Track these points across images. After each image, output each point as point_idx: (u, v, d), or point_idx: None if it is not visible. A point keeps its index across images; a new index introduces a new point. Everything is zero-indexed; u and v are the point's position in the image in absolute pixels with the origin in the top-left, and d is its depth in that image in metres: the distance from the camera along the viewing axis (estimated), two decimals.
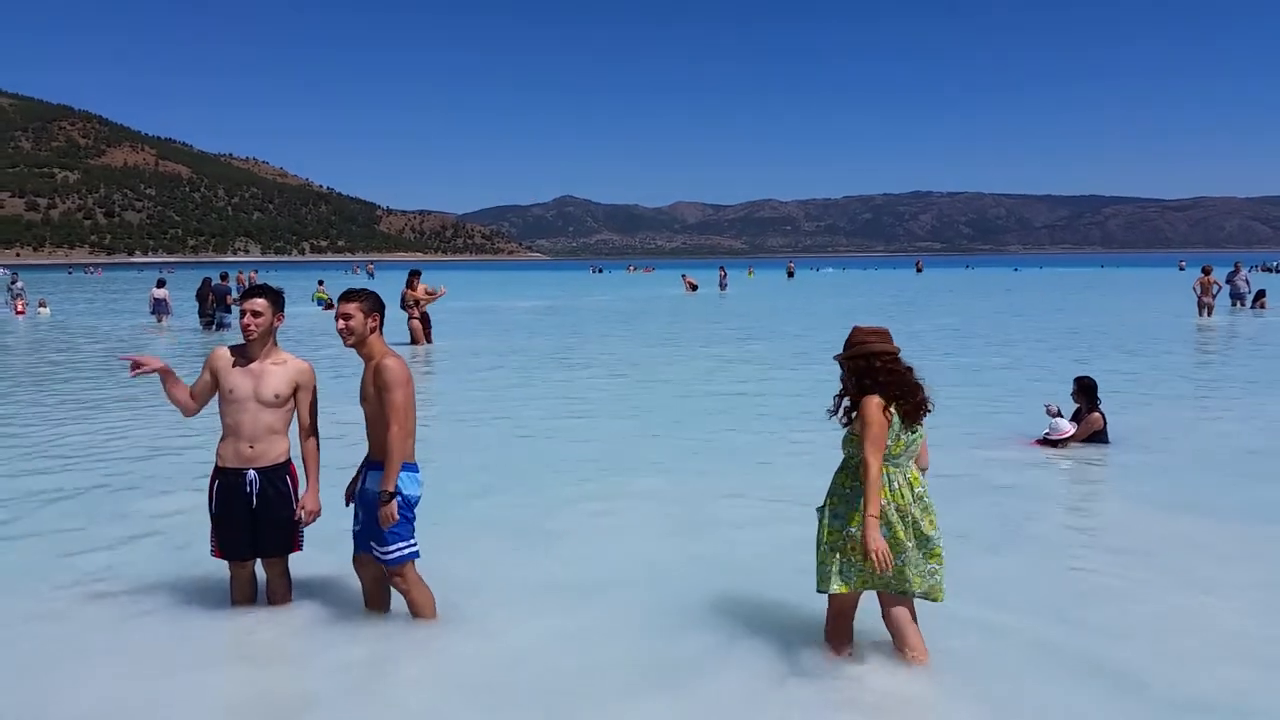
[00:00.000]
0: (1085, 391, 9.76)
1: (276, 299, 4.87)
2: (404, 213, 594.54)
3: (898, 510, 4.24)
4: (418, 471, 4.74)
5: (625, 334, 23.94)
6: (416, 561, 4.75)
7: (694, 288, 48.60)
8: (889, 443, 4.21)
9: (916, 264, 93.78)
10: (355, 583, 5.04)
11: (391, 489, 4.51)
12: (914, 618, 4.39)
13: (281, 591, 5.06)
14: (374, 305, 4.72)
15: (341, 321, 4.64)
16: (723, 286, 50.97)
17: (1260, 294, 30.50)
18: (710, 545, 6.29)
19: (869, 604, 4.48)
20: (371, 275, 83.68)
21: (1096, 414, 9.61)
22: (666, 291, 49.74)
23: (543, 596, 5.30)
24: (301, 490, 4.90)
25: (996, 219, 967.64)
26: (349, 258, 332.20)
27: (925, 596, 4.33)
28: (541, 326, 26.84)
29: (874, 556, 4.06)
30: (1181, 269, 74.58)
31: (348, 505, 4.92)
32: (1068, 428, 9.47)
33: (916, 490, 4.30)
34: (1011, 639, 4.75)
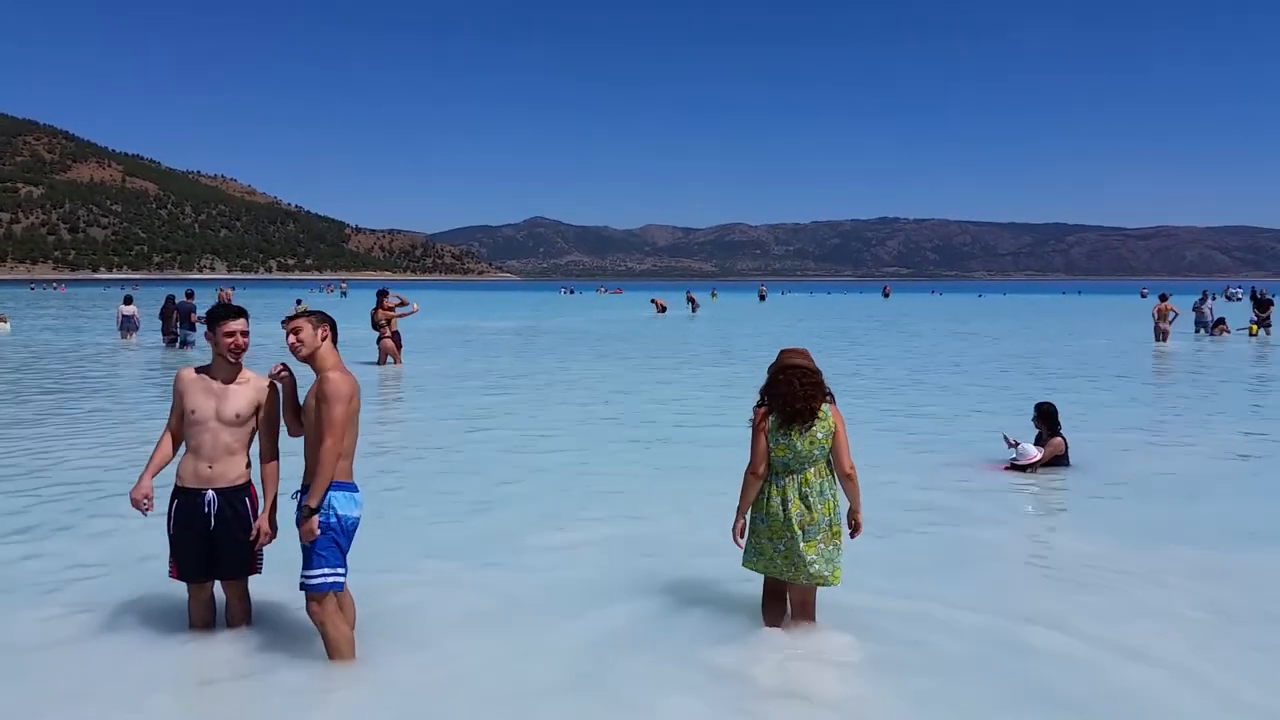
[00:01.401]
0: (1045, 417, 9.90)
1: (247, 320, 4.90)
2: (373, 231, 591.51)
3: (782, 508, 4.90)
4: (357, 492, 4.61)
5: (595, 355, 23.96)
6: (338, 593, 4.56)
7: (663, 309, 48.99)
8: (773, 447, 4.94)
9: (884, 289, 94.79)
10: None
11: (314, 505, 4.36)
12: (809, 598, 5.10)
13: (241, 613, 4.99)
14: (322, 318, 4.69)
15: (292, 336, 4.57)
16: (693, 309, 51.47)
17: (1220, 321, 31.08)
18: (660, 567, 6.30)
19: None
20: (344, 294, 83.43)
21: (1058, 439, 9.74)
22: (637, 313, 49.88)
23: (486, 623, 5.23)
24: (260, 511, 4.83)
25: (962, 245, 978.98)
26: (317, 276, 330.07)
27: (818, 582, 4.97)
28: (510, 347, 26.79)
29: (733, 537, 5.12)
30: (1143, 296, 75.84)
31: (304, 542, 4.75)
32: (1035, 453, 9.57)
33: (803, 490, 4.92)
34: (946, 648, 4.84)
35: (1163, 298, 28.81)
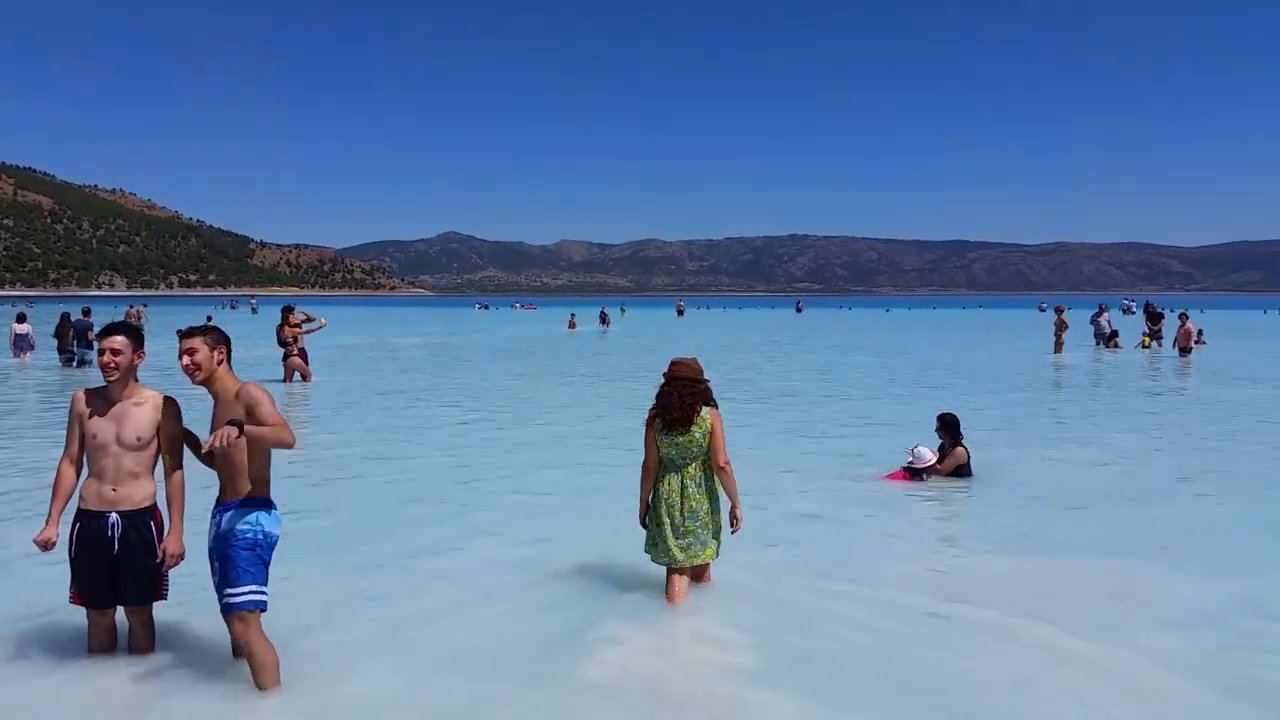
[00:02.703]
0: (948, 427, 10.22)
1: (136, 336, 4.70)
2: (279, 246, 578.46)
3: (666, 499, 5.74)
4: (276, 510, 4.54)
5: (507, 372, 23.85)
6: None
7: (572, 326, 49.32)
8: (660, 447, 5.76)
9: (797, 304, 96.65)
10: (223, 633, 4.84)
11: (241, 426, 4.17)
12: (703, 569, 6.01)
13: (144, 640, 4.85)
14: (219, 338, 4.51)
15: (186, 358, 4.40)
16: (605, 324, 51.73)
17: (1114, 334, 32.45)
18: (574, 566, 6.44)
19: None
20: (255, 310, 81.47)
21: (960, 449, 10.07)
22: (551, 329, 49.81)
23: (396, 646, 5.18)
24: (166, 534, 4.70)
25: (870, 262, 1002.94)
26: (220, 292, 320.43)
27: (694, 561, 5.79)
28: (423, 363, 26.48)
29: (640, 522, 5.95)
30: (1042, 310, 78.77)
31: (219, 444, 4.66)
32: (929, 455, 9.90)
33: (684, 482, 5.73)
34: (826, 658, 4.97)
35: (1058, 311, 30.34)
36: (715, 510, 5.87)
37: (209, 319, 42.11)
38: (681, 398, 5.71)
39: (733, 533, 5.97)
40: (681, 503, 5.72)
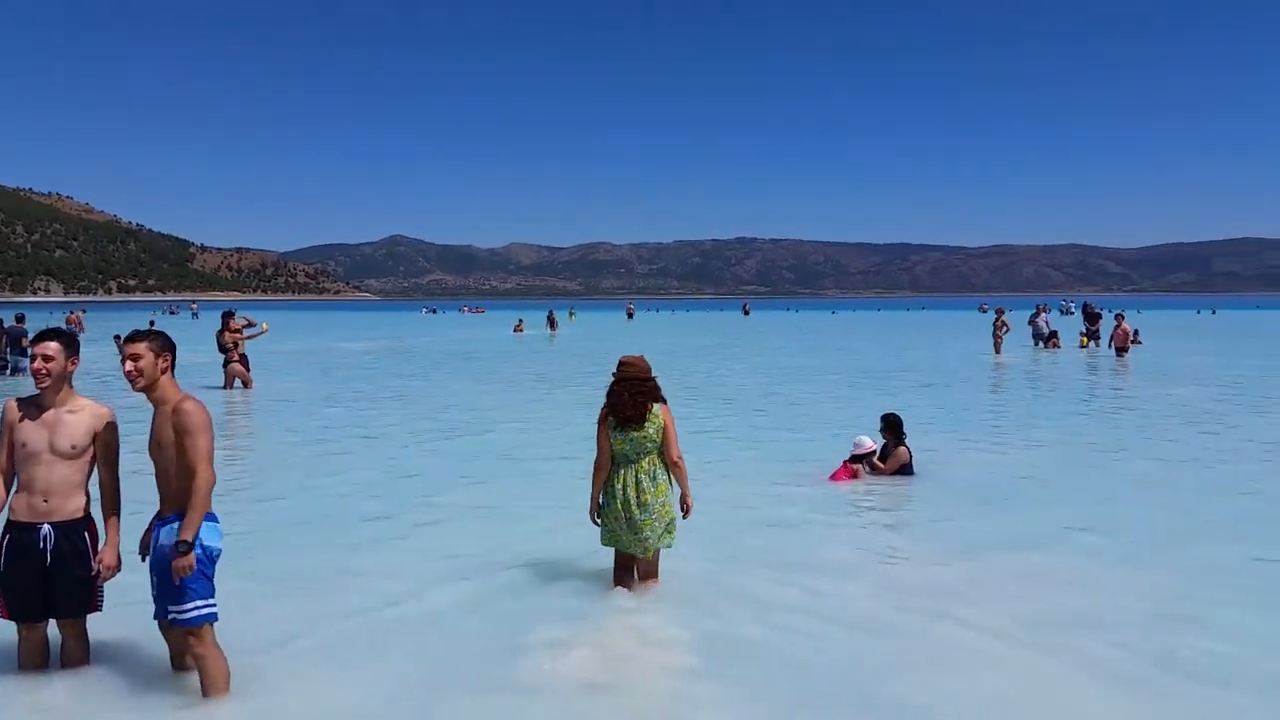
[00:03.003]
0: (891, 427, 10.39)
1: (70, 342, 4.59)
2: (220, 250, 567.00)
3: (622, 492, 5.91)
4: (218, 522, 4.49)
5: (453, 375, 23.70)
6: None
7: (519, 330, 49.15)
8: (614, 442, 5.94)
9: (744, 307, 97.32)
10: (160, 645, 4.78)
11: (191, 539, 4.24)
12: (652, 565, 6.17)
13: (78, 654, 4.74)
14: (164, 345, 4.43)
15: (130, 363, 4.31)
16: (552, 327, 51.52)
17: (1053, 334, 33.14)
18: (506, 584, 6.43)
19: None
20: (195, 315, 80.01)
21: (903, 448, 10.24)
22: (499, 333, 49.57)
23: (338, 653, 5.15)
24: (101, 545, 4.60)
25: (816, 264, 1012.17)
26: (160, 297, 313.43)
27: (653, 550, 6.04)
28: (368, 369, 26.19)
29: (591, 519, 6.15)
30: (983, 311, 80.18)
31: (143, 559, 4.61)
32: (869, 442, 10.16)
33: (639, 476, 5.92)
34: (768, 657, 5.04)
35: (999, 312, 31.01)
36: (668, 502, 6.05)
37: (151, 323, 41.25)
38: (633, 396, 5.93)
39: (684, 518, 6.19)
40: (637, 496, 5.90)
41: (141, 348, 4.36)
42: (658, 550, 6.14)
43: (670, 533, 6.08)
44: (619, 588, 6.11)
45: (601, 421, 6.02)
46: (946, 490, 9.57)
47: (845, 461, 10.16)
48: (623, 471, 5.96)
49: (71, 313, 54.61)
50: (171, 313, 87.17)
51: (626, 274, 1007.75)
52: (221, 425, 14.56)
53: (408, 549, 7.33)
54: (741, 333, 50.70)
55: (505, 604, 6.00)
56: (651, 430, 5.93)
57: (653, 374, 6.12)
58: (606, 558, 6.35)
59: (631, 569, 6.18)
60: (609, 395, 6.02)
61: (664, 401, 6.09)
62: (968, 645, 5.28)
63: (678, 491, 6.14)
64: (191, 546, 4.25)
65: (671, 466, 6.05)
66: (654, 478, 5.97)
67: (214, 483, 4.34)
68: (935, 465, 10.60)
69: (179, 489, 4.34)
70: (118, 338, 37.62)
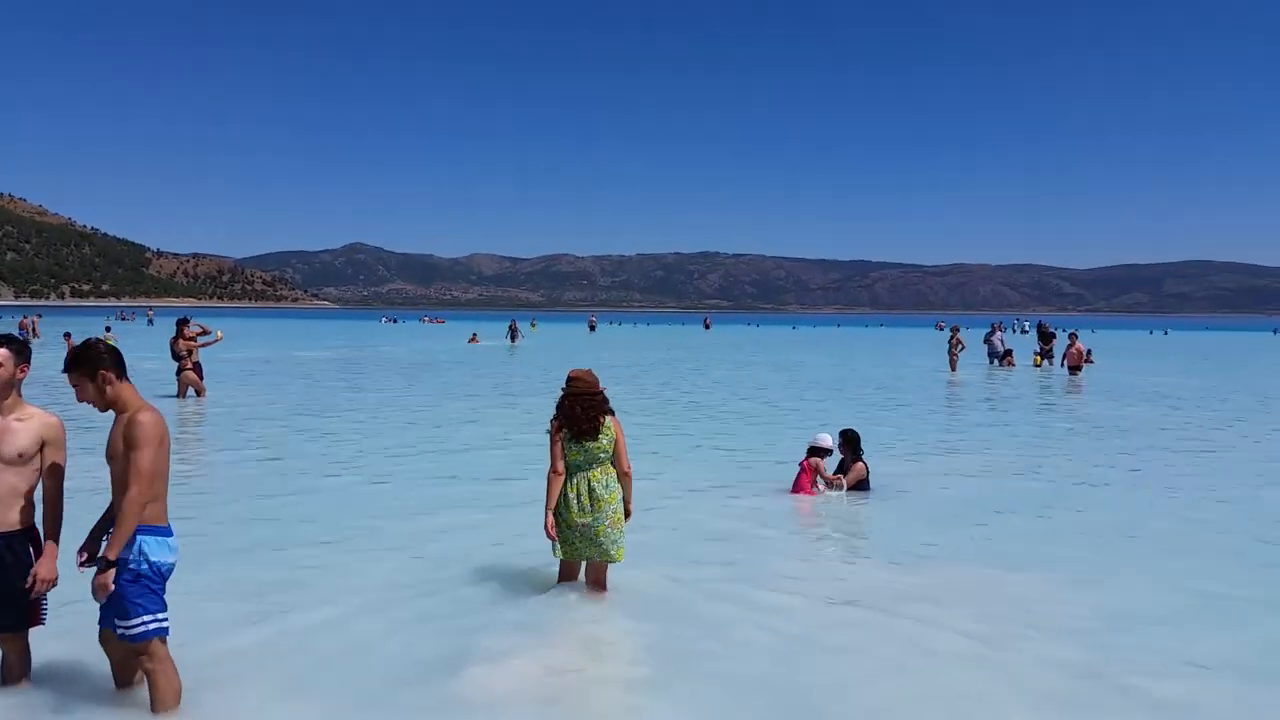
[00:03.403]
0: (849, 443, 10.48)
1: (20, 349, 4.49)
2: (176, 256, 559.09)
3: (576, 501, 6.08)
4: (170, 536, 4.39)
5: (410, 386, 23.53)
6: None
7: (474, 339, 49.12)
8: (567, 453, 6.12)
9: (705, 321, 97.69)
10: (104, 658, 4.66)
11: (113, 557, 4.12)
12: (601, 575, 6.32)
13: (19, 669, 4.61)
14: (95, 363, 4.30)
15: (78, 392, 4.32)
16: (513, 339, 51.34)
17: (1008, 353, 33.64)
18: (456, 596, 6.43)
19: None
20: (151, 321, 78.90)
21: (860, 464, 10.33)
22: (459, 344, 49.36)
23: (284, 667, 5.08)
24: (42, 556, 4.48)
25: (777, 280, 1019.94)
26: (114, 303, 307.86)
27: (606, 559, 6.19)
28: (321, 378, 25.90)
29: (546, 531, 6.11)
30: (940, 329, 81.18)
31: (82, 567, 4.45)
32: (828, 439, 10.33)
33: (592, 484, 6.11)
34: (719, 668, 5.03)
35: (954, 330, 31.56)
36: (619, 510, 6.25)
37: (108, 329, 41.05)
38: (585, 409, 6.16)
39: (624, 521, 6.35)
40: (591, 504, 6.11)
41: (75, 378, 4.33)
42: (606, 565, 6.31)
43: (622, 538, 6.24)
44: (567, 590, 6.28)
45: (555, 433, 6.21)
46: (901, 505, 9.67)
47: (804, 459, 10.23)
48: (576, 479, 6.16)
49: (25, 317, 53.79)
50: (121, 318, 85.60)
51: (589, 286, 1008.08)
52: (174, 434, 14.28)
53: (357, 562, 7.25)
54: (702, 346, 50.87)
55: (454, 617, 5.97)
56: (605, 441, 6.18)
57: (601, 387, 6.32)
58: (554, 569, 6.51)
59: (576, 577, 6.40)
60: (560, 408, 6.23)
61: (613, 413, 6.34)
62: (917, 659, 5.32)
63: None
64: (112, 564, 4.14)
65: (622, 476, 6.29)
66: (606, 486, 6.19)
67: (149, 499, 4.22)
68: (891, 480, 10.70)
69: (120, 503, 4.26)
70: (68, 335, 37.10)
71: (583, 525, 6.09)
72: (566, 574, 6.43)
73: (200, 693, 4.56)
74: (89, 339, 4.66)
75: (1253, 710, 4.78)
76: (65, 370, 4.37)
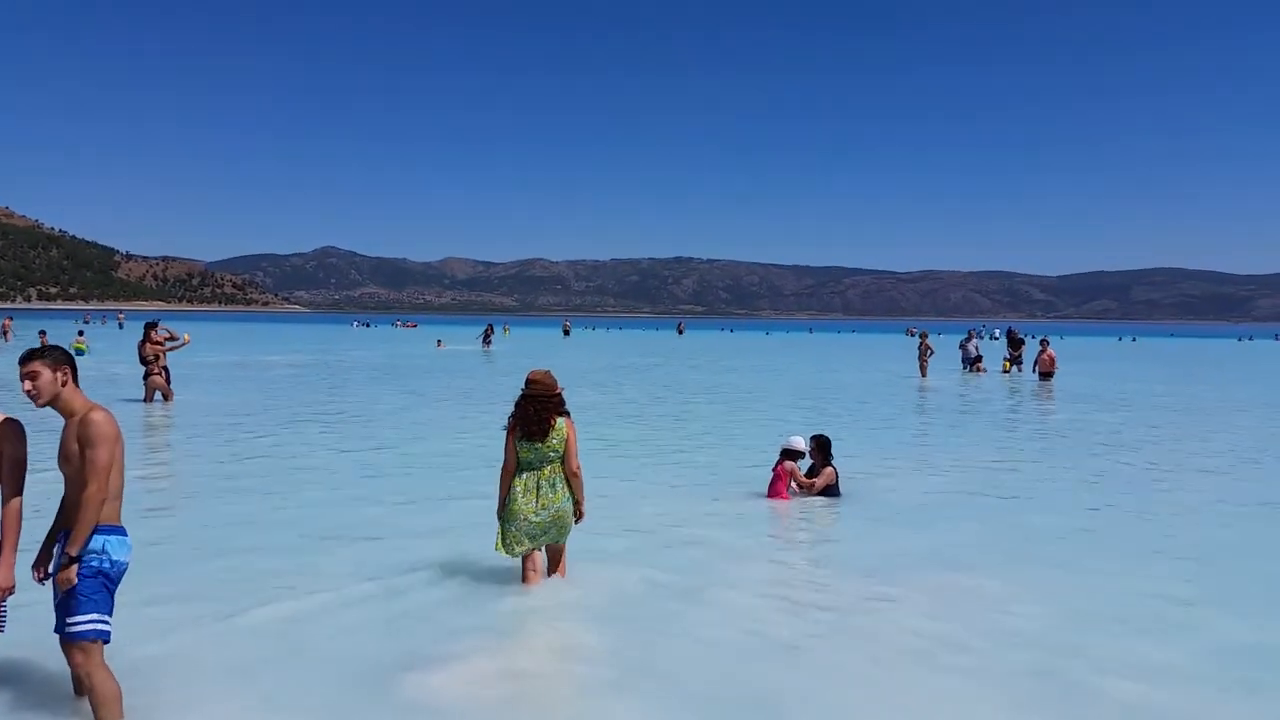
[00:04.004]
0: (821, 448, 10.52)
1: None
2: (145, 259, 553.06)
3: (524, 496, 6.38)
4: (127, 536, 4.36)
5: (379, 390, 23.40)
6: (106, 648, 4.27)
7: (441, 345, 49.45)
8: (519, 450, 6.41)
9: (679, 326, 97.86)
10: (64, 667, 4.57)
11: (75, 553, 4.11)
12: (558, 559, 6.74)
13: None
14: (59, 359, 4.32)
15: (28, 382, 4.24)
16: (487, 343, 51.20)
17: (979, 358, 33.92)
18: (412, 598, 6.44)
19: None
20: (121, 325, 78.18)
21: (830, 469, 10.38)
22: (427, 349, 49.18)
23: (241, 677, 4.99)
24: None
25: (751, 286, 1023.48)
26: (82, 306, 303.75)
27: (556, 541, 6.61)
28: (290, 383, 25.71)
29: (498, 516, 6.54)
30: (911, 335, 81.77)
31: (40, 581, 4.42)
32: (800, 442, 10.37)
33: (540, 482, 6.41)
34: (680, 671, 5.04)
35: (922, 336, 32.00)
36: (564, 508, 6.51)
37: (80, 332, 40.78)
38: (538, 410, 6.40)
39: (576, 523, 6.68)
40: (536, 500, 6.39)
41: (37, 365, 4.27)
42: (562, 547, 6.71)
43: (563, 533, 6.60)
44: (529, 593, 6.42)
45: (510, 431, 6.48)
46: (870, 510, 9.72)
47: (778, 463, 10.26)
48: (525, 476, 6.44)
49: (8, 319, 53.36)
50: (86, 321, 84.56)
51: (564, 291, 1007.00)
52: (140, 438, 14.18)
53: (313, 564, 7.22)
54: (675, 351, 50.96)
55: (410, 618, 5.98)
56: (555, 441, 6.43)
57: (559, 389, 6.54)
58: (513, 571, 6.69)
59: (539, 567, 6.64)
60: (516, 408, 6.48)
61: (568, 415, 6.57)
62: (882, 663, 5.35)
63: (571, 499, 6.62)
64: (75, 560, 4.13)
65: (570, 476, 6.54)
66: (553, 485, 6.46)
67: (107, 497, 4.21)
68: (861, 485, 10.76)
69: (78, 501, 4.21)
70: (43, 333, 36.69)
71: (526, 521, 6.37)
72: (529, 569, 6.61)
73: (148, 701, 4.50)
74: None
75: (1209, 712, 4.83)
76: (28, 357, 4.31)
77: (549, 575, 6.68)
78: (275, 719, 4.52)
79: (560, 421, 6.45)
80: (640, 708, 4.71)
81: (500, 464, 6.58)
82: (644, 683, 5.00)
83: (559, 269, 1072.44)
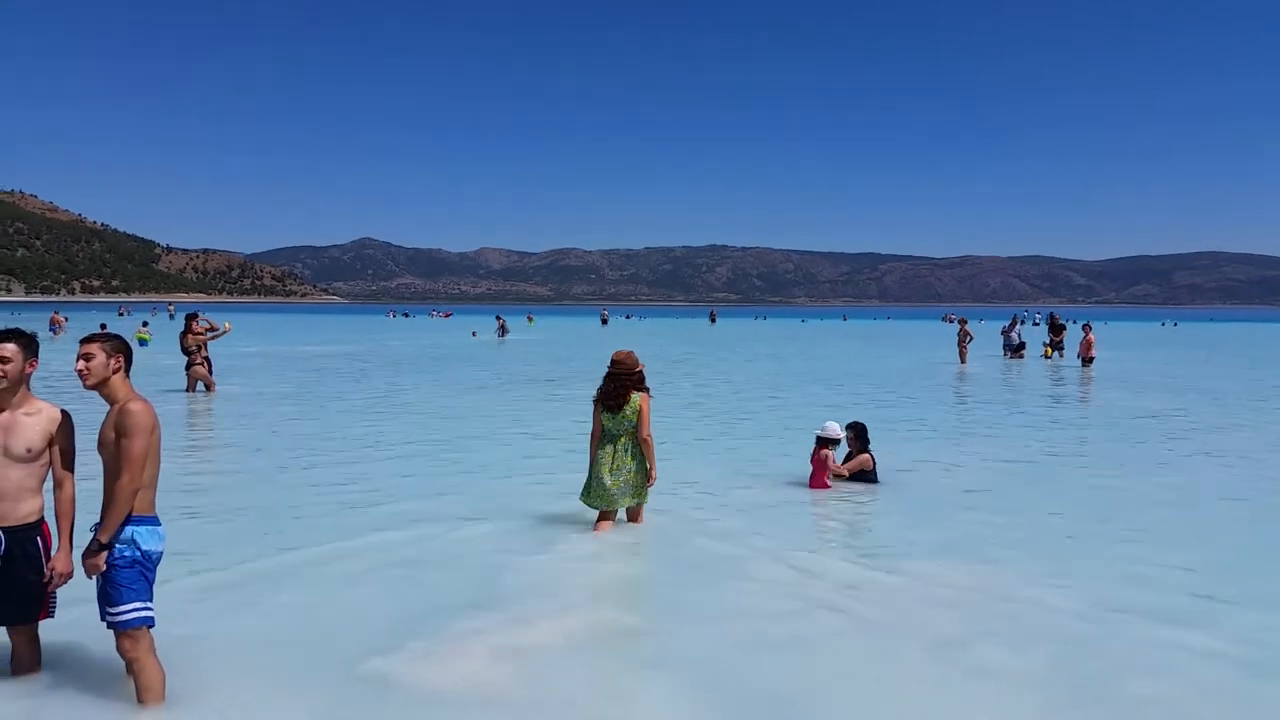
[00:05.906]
0: (858, 435, 10.47)
1: (29, 343, 4.51)
2: (186, 251, 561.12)
3: (607, 461, 7.57)
4: (159, 526, 4.43)
5: (415, 379, 23.55)
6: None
7: (475, 335, 49.39)
8: (603, 421, 7.62)
9: (711, 314, 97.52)
10: (113, 650, 4.64)
11: (105, 540, 4.19)
12: (637, 513, 7.93)
13: (29, 660, 4.65)
14: (117, 347, 4.42)
15: (82, 362, 4.30)
16: (502, 334, 50.85)
17: (1021, 345, 33.42)
18: (441, 579, 6.51)
19: None
20: (171, 315, 79.65)
21: (867, 455, 10.31)
22: (462, 338, 49.44)
23: (278, 665, 5.02)
24: (55, 551, 4.51)
25: (786, 273, 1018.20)
26: (124, 298, 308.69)
27: (634, 504, 7.80)
28: (334, 372, 25.93)
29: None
30: (949, 321, 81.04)
31: (89, 576, 4.44)
32: (836, 428, 10.18)
33: (616, 449, 7.58)
34: (706, 655, 5.02)
35: (962, 322, 31.55)
36: (640, 470, 7.66)
37: (145, 323, 41.66)
38: (617, 386, 7.55)
39: (649, 486, 7.77)
40: (613, 462, 7.54)
41: (95, 347, 4.36)
42: (640, 506, 7.88)
43: (638, 497, 7.74)
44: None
45: (596, 404, 7.67)
46: (906, 499, 9.59)
47: (815, 450, 10.15)
48: (607, 445, 7.63)
49: (56, 313, 54.55)
50: (122, 314, 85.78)
51: (597, 280, 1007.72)
52: (183, 428, 14.41)
53: (349, 550, 7.29)
54: (709, 340, 50.81)
55: (436, 599, 6.00)
56: (629, 412, 7.55)
57: (639, 367, 7.62)
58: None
59: (612, 519, 7.76)
60: (603, 382, 7.64)
61: (646, 391, 7.66)
62: (901, 661, 5.21)
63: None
64: (106, 547, 4.20)
65: (641, 443, 7.63)
66: (628, 451, 7.61)
67: (140, 488, 4.27)
68: (900, 472, 10.67)
69: (112, 489, 4.29)
70: (104, 326, 37.53)
71: (599, 480, 7.54)
72: (603, 519, 7.72)
73: (189, 685, 4.57)
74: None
75: (1236, 704, 4.72)
76: (89, 339, 4.40)
77: (629, 523, 7.88)
78: (299, 694, 4.55)
79: (636, 396, 7.54)
80: (650, 693, 4.70)
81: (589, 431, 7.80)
82: (656, 669, 5.00)
83: (593, 258, 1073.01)
